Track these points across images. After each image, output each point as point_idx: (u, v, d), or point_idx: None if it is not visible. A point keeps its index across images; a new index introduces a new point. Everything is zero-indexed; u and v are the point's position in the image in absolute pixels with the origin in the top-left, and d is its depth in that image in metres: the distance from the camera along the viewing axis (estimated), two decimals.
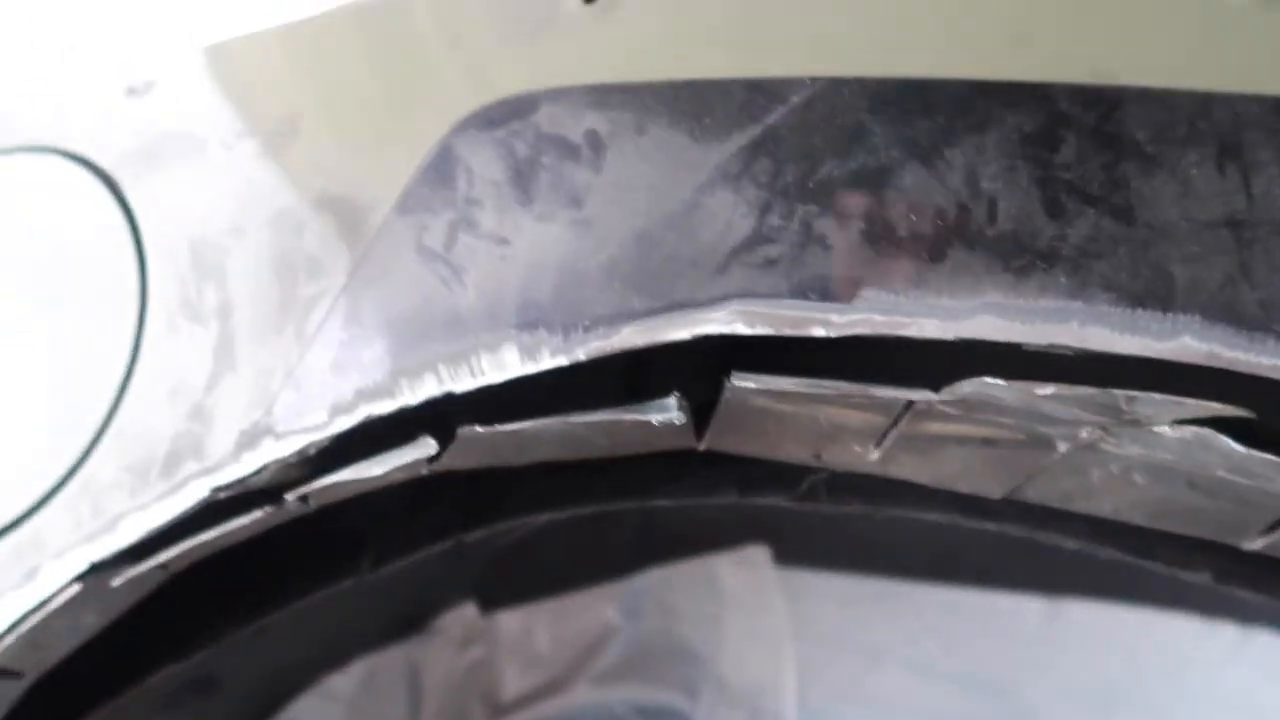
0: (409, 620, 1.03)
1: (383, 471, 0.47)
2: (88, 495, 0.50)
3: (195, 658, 0.59)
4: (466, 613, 1.01)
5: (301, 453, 0.47)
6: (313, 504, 0.50)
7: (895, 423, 0.45)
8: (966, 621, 0.90)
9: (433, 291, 0.47)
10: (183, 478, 0.49)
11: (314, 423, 0.47)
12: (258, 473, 0.48)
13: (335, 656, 1.02)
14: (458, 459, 0.49)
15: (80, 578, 0.49)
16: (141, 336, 0.53)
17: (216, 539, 0.49)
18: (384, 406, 0.46)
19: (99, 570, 0.49)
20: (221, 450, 0.48)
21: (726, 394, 0.46)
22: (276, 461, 0.47)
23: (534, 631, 0.96)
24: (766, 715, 0.94)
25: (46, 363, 0.54)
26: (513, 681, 0.95)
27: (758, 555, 0.96)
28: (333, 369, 0.48)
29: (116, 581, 0.49)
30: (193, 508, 0.48)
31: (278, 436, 0.48)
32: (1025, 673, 0.90)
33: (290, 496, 0.47)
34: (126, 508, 0.49)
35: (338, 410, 0.47)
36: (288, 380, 0.48)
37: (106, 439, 0.51)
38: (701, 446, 0.51)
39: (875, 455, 0.47)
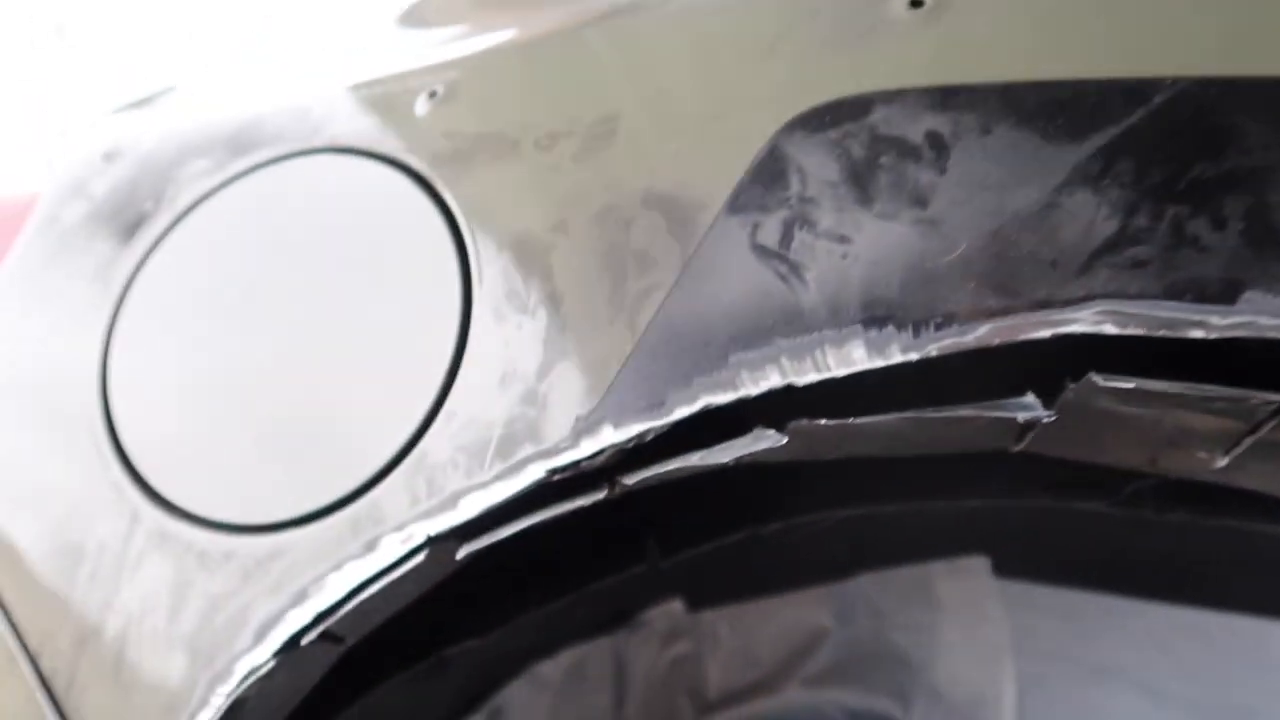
0: (617, 614, 1.05)
1: (728, 460, 0.48)
2: (423, 473, 0.54)
3: (492, 635, 0.62)
4: (673, 608, 1.02)
5: (639, 438, 0.49)
6: (633, 488, 0.52)
7: (1255, 429, 0.44)
8: (1205, 644, 0.87)
9: (771, 287, 0.48)
10: (520, 459, 0.51)
11: (652, 412, 0.49)
12: (593, 457, 0.50)
13: (546, 645, 1.05)
14: (781, 452, 0.50)
15: (420, 549, 0.52)
16: (468, 326, 0.55)
17: (543, 519, 0.51)
18: (723, 397, 0.48)
19: (436, 543, 0.52)
20: (557, 435, 0.51)
21: (1069, 395, 0.46)
22: (614, 447, 0.49)
23: (743, 630, 0.97)
24: None
25: (379, 349, 0.58)
26: (721, 679, 0.97)
27: (976, 565, 0.94)
28: (669, 359, 0.49)
29: (460, 555, 0.51)
30: (528, 489, 0.51)
31: (616, 424, 0.49)
32: (1266, 701, 0.86)
33: (623, 481, 0.49)
34: (464, 486, 0.52)
35: (676, 400, 0.48)
36: (623, 369, 0.50)
37: (439, 421, 0.54)
38: (1018, 449, 0.51)
39: (1222, 462, 0.46)
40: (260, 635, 0.54)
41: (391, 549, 0.53)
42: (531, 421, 0.52)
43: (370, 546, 0.53)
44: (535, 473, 0.51)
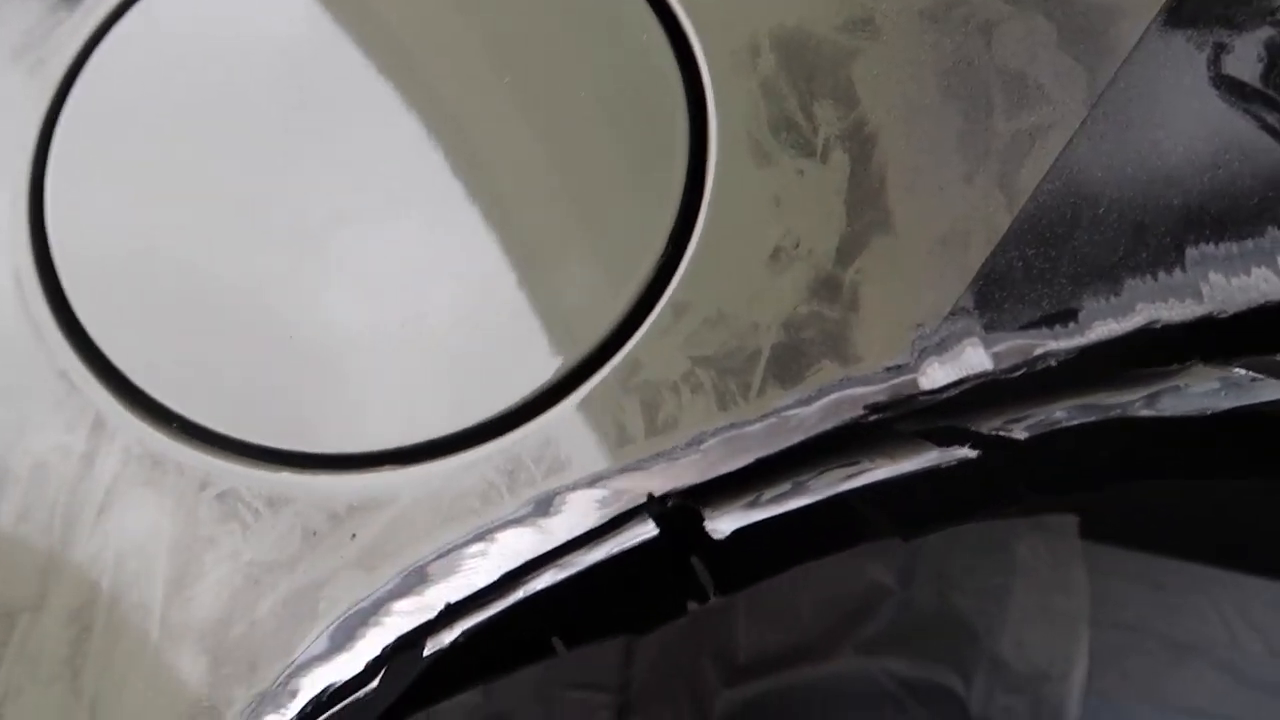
0: None
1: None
2: (633, 393, 0.34)
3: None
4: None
5: (1028, 364, 0.31)
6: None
7: None
8: None
9: (1252, 144, 0.31)
10: (815, 385, 0.32)
11: (1050, 326, 0.31)
12: (942, 391, 0.32)
13: None
14: None
15: (638, 511, 0.32)
16: (702, 169, 0.35)
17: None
18: (1176, 310, 0.30)
19: (676, 509, 0.33)
20: (879, 351, 0.32)
21: None
22: (982, 376, 0.31)
23: (785, 583, 0.81)
24: (1048, 704, 0.82)
25: (545, 201, 0.37)
26: (755, 640, 0.82)
27: (1064, 523, 0.83)
28: (1075, 245, 0.31)
29: (713, 525, 0.32)
30: (830, 431, 0.32)
31: (986, 341, 0.31)
32: None
33: (1010, 432, 0.31)
34: (711, 424, 0.33)
35: (1096, 311, 0.31)
36: (995, 254, 0.32)
37: (657, 315, 0.34)
38: None
39: None
40: (345, 637, 0.33)
41: (582, 509, 0.33)
42: (831, 326, 0.33)
43: (544, 506, 0.33)
44: (843, 407, 0.32)
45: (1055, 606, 0.83)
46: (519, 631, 0.38)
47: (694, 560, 0.42)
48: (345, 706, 0.33)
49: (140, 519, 0.37)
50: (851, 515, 0.38)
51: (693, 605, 0.44)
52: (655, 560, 0.32)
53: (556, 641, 0.43)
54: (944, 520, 0.42)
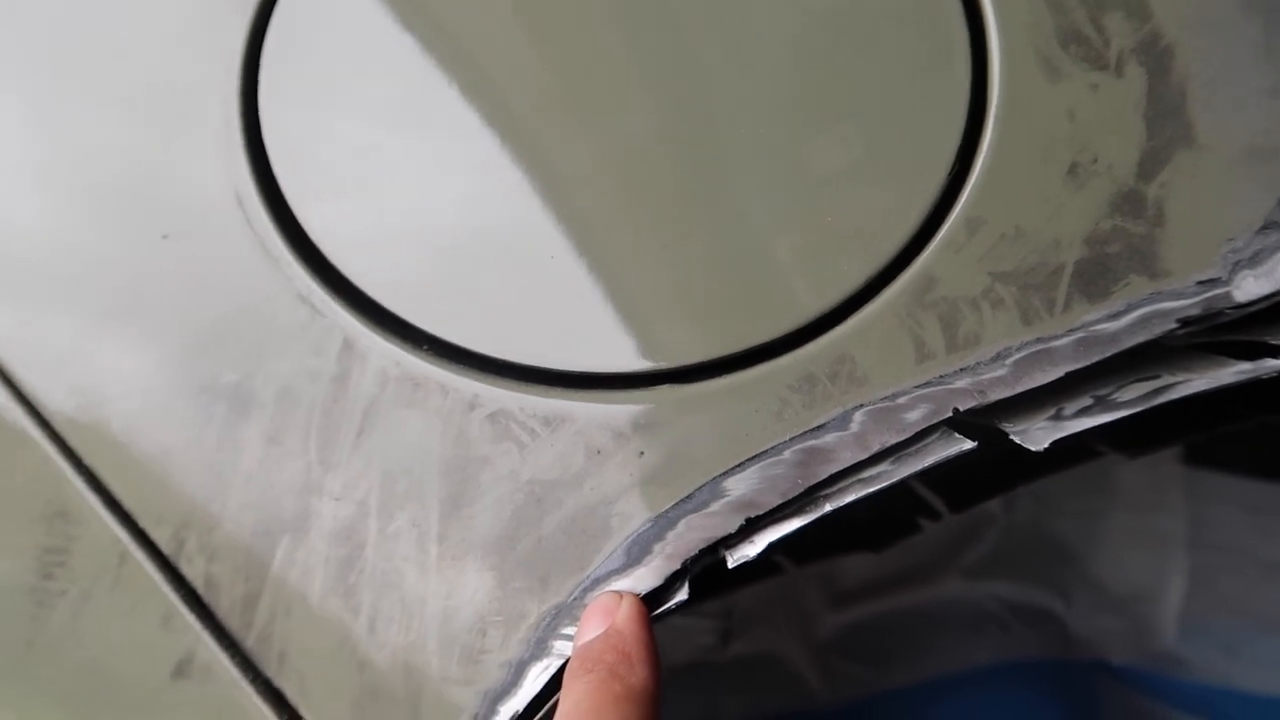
0: None
1: None
2: (931, 308, 0.34)
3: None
4: None
5: None
6: None
7: None
8: None
9: None
10: (1126, 300, 0.32)
11: None
12: (1252, 305, 0.32)
13: None
14: None
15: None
16: (985, 82, 0.35)
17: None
18: None
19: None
20: (1189, 265, 0.32)
21: None
22: None
23: None
24: (1144, 622, 0.85)
25: (825, 106, 0.36)
26: (861, 563, 0.83)
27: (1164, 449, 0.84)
28: None
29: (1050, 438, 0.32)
30: (1146, 343, 0.32)
31: None
32: None
33: None
34: (1018, 340, 0.33)
35: None
36: None
37: (947, 229, 0.34)
38: None
39: None
40: (641, 551, 0.34)
41: (886, 422, 0.33)
42: (1136, 241, 0.33)
43: (844, 422, 0.33)
44: (1154, 322, 0.32)
45: (1153, 528, 0.85)
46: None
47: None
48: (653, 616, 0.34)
49: (404, 439, 0.37)
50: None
51: (924, 521, 0.45)
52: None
53: (783, 559, 0.44)
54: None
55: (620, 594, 0.33)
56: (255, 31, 0.43)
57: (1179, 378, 0.32)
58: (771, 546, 0.33)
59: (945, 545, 0.84)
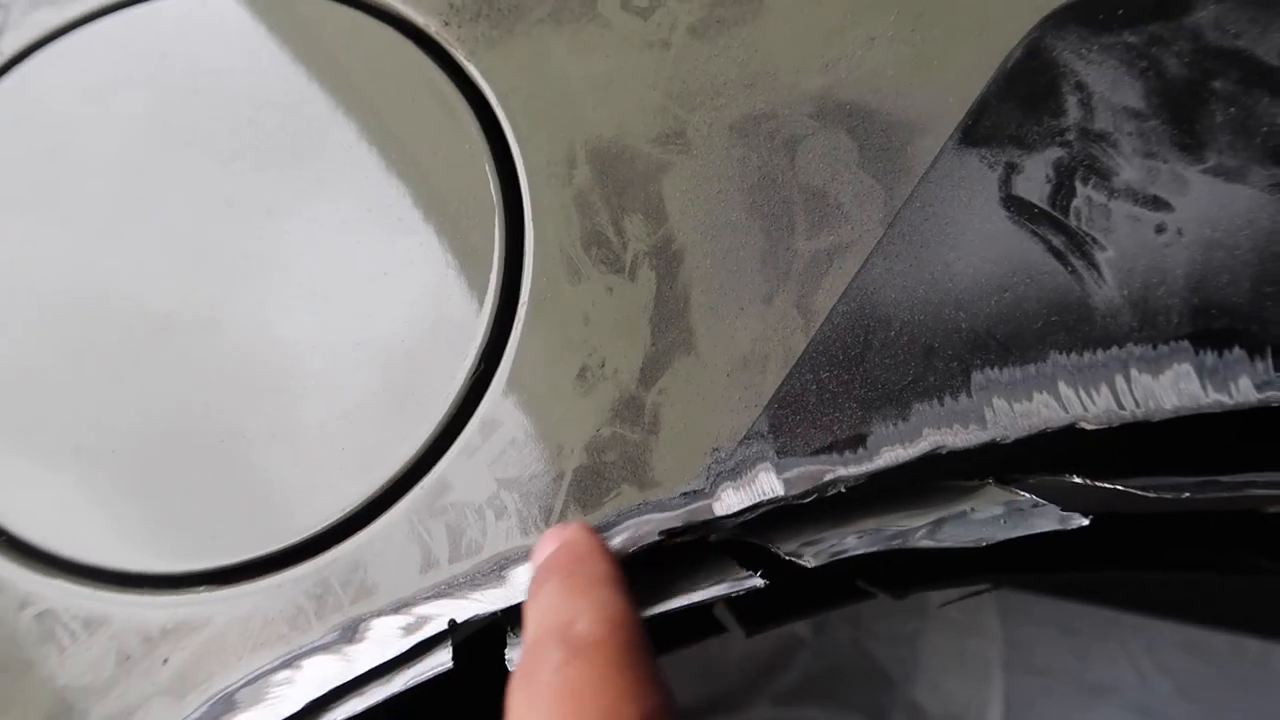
0: None
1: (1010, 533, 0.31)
2: (438, 516, 0.33)
3: None
4: None
5: (818, 490, 0.31)
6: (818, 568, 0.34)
7: None
8: (1207, 665, 0.79)
9: (1038, 265, 0.31)
10: (614, 511, 0.32)
11: (841, 451, 0.31)
12: (737, 516, 0.31)
13: None
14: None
15: (439, 640, 0.32)
16: (517, 285, 0.35)
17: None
18: (963, 436, 0.30)
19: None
20: (678, 476, 0.32)
21: None
22: (775, 500, 0.31)
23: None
24: None
25: (356, 308, 0.37)
26: (677, 692, 0.81)
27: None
28: (867, 368, 0.31)
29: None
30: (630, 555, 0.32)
31: (778, 466, 0.31)
32: None
33: (798, 556, 0.31)
34: (513, 546, 0.32)
35: (885, 436, 0.31)
36: (790, 377, 0.32)
37: (466, 434, 0.34)
38: None
39: None
40: None
41: (385, 636, 0.33)
42: (631, 449, 0.32)
43: (350, 633, 0.33)
44: (640, 532, 0.32)
45: (969, 651, 0.83)
46: None
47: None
48: None
49: None
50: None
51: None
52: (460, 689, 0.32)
53: None
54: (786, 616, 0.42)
55: (567, 523, 0.32)
56: None
57: (679, 586, 0.32)
58: None
59: (753, 671, 0.82)
